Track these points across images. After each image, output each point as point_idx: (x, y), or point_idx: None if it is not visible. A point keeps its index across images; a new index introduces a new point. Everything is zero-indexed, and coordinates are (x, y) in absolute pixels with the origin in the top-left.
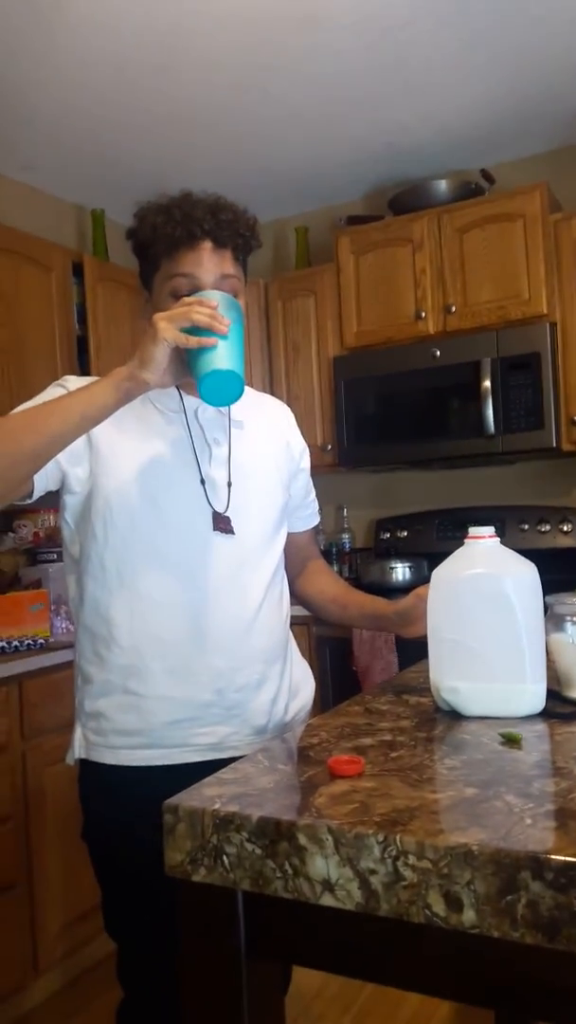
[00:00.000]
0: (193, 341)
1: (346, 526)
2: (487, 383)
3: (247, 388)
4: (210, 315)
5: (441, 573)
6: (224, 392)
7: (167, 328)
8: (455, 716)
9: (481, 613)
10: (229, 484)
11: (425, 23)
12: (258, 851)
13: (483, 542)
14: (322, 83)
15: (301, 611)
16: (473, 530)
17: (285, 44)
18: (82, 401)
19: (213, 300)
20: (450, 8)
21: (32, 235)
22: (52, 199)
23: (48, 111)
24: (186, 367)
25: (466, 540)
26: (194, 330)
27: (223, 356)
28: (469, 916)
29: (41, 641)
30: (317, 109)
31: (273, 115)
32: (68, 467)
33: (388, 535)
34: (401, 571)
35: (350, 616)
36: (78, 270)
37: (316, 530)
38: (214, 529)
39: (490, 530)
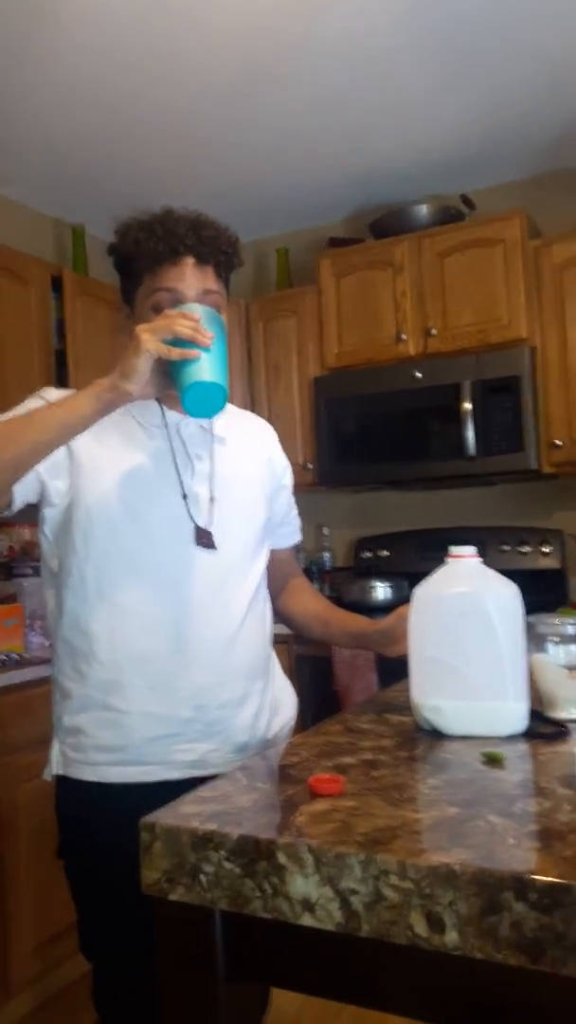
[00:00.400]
0: (175, 352)
1: (326, 545)
2: (467, 405)
3: (230, 405)
4: (193, 327)
5: (423, 591)
6: (207, 404)
7: (149, 339)
8: (437, 735)
9: (463, 632)
10: (212, 500)
11: (409, 51)
12: (237, 870)
13: (465, 561)
14: (306, 107)
15: (281, 629)
16: (455, 549)
17: (271, 68)
18: (63, 411)
19: (196, 313)
20: (433, 37)
21: (11, 248)
22: (32, 213)
23: (29, 125)
24: (168, 379)
25: (447, 559)
26: (177, 342)
27: (206, 368)
28: (452, 937)
29: (15, 656)
30: (301, 131)
31: (257, 136)
32: (48, 479)
33: (369, 554)
34: (382, 590)
35: (332, 634)
36: (57, 284)
37: (296, 548)
38: (196, 544)
39: (472, 549)
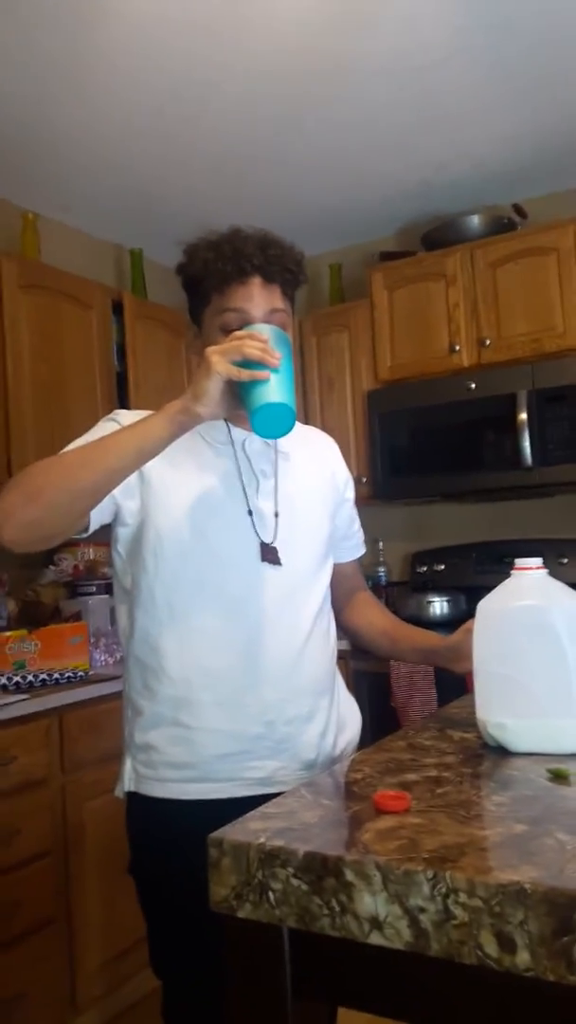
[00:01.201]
0: (246, 374)
1: (382, 559)
2: (523, 415)
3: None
4: (262, 349)
5: (487, 605)
6: (277, 425)
7: (220, 362)
8: (501, 752)
9: (529, 646)
10: (276, 515)
11: (457, 62)
12: (304, 887)
13: (530, 573)
14: (356, 121)
15: (340, 644)
16: (520, 561)
17: (317, 84)
18: (137, 436)
19: (264, 334)
20: (482, 46)
21: (72, 274)
22: (91, 239)
23: (85, 154)
24: (238, 400)
25: (513, 571)
26: (246, 363)
27: (275, 389)
28: (523, 958)
29: (81, 674)
30: (350, 149)
31: (307, 155)
32: (122, 500)
33: (425, 568)
34: (439, 605)
35: (400, 650)
36: (117, 308)
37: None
38: (262, 560)
39: (538, 561)
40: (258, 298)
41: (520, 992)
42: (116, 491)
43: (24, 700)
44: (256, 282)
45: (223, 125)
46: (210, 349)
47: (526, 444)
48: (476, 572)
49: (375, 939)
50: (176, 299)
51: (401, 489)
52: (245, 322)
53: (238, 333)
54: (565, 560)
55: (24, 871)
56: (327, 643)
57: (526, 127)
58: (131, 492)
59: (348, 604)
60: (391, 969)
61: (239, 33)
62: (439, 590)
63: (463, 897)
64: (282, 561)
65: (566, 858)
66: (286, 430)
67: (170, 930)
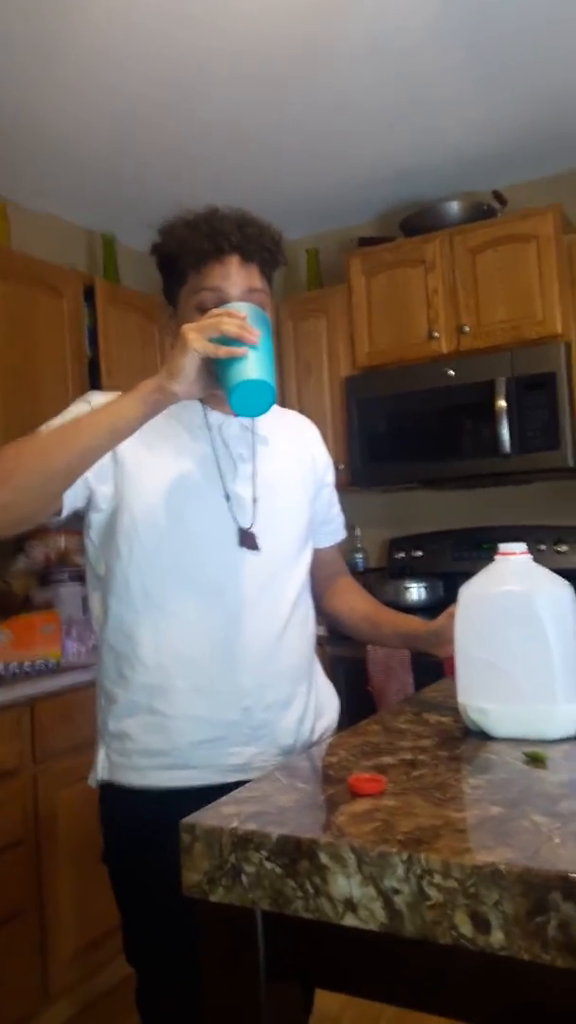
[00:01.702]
0: (223, 351)
1: (359, 546)
2: (502, 402)
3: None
4: (240, 326)
5: (470, 590)
6: (255, 402)
7: (196, 339)
8: (477, 736)
9: (511, 631)
10: (254, 500)
11: (436, 47)
12: (278, 870)
13: (514, 558)
14: (334, 107)
15: (317, 630)
16: (504, 546)
17: (296, 71)
18: (111, 415)
19: (242, 311)
20: (462, 32)
21: (43, 260)
22: (63, 223)
23: (59, 137)
24: (214, 379)
25: (496, 556)
26: (223, 341)
27: (253, 366)
28: (498, 938)
29: (53, 663)
30: (329, 133)
31: (285, 139)
32: (95, 484)
33: (402, 555)
34: (416, 591)
35: (382, 635)
36: (89, 294)
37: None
38: (240, 545)
39: (522, 546)
40: (236, 277)
41: (494, 971)
42: (89, 475)
43: None
44: (234, 260)
45: (200, 109)
46: (186, 326)
47: (504, 431)
48: (454, 559)
49: (349, 920)
50: (149, 284)
51: (379, 476)
52: (222, 301)
53: (215, 311)
54: (543, 547)
55: None
56: (306, 629)
57: (505, 113)
58: (105, 476)
59: (329, 589)
60: (365, 950)
61: (218, 17)
62: (416, 576)
63: (438, 878)
64: (260, 546)
65: (541, 840)
66: (265, 408)
67: (144, 918)
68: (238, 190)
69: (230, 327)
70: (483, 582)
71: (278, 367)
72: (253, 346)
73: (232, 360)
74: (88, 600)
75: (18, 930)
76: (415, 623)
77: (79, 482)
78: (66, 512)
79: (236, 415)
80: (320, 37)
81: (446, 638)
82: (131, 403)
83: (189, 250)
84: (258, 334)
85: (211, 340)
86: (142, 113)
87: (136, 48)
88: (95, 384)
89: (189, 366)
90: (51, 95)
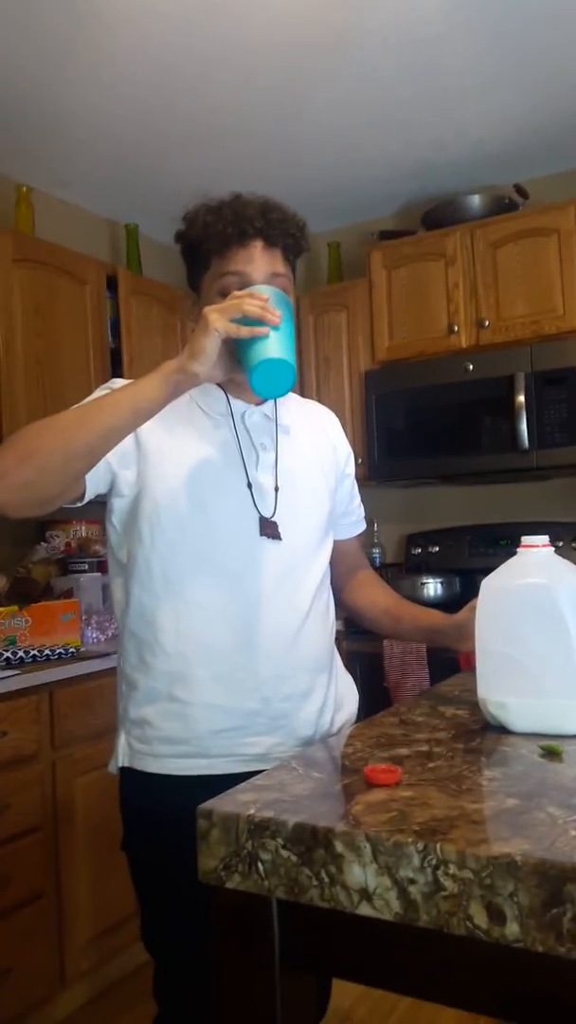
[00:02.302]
0: (245, 331)
1: (376, 541)
2: (521, 397)
3: (293, 395)
4: (262, 306)
5: (491, 583)
6: (277, 382)
7: (218, 319)
8: (492, 729)
9: (532, 625)
10: (276, 489)
11: (458, 39)
12: (293, 858)
13: (536, 551)
14: (355, 100)
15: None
16: (526, 539)
17: (316, 59)
18: (132, 395)
19: (264, 294)
20: (484, 24)
21: (67, 248)
22: (87, 214)
23: (82, 128)
24: (236, 362)
25: (519, 549)
26: (245, 322)
27: (275, 345)
28: (512, 929)
29: (72, 650)
30: (351, 124)
31: (306, 132)
32: (118, 469)
33: (419, 550)
34: (433, 587)
35: (403, 629)
36: (112, 284)
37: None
38: (261, 534)
39: (544, 539)
40: (259, 261)
41: (509, 962)
42: (112, 460)
43: (15, 676)
44: (257, 245)
45: (222, 100)
46: (208, 308)
47: (523, 427)
48: (471, 555)
49: (364, 910)
50: (171, 275)
51: (397, 470)
52: (245, 285)
53: (237, 293)
54: (560, 543)
55: (13, 846)
56: (326, 621)
57: (527, 105)
58: (128, 462)
59: (349, 582)
60: (380, 940)
61: (239, 7)
62: (433, 572)
63: (453, 869)
64: (282, 536)
65: (557, 831)
66: (286, 388)
67: (163, 907)
68: (259, 183)
69: (252, 308)
70: (504, 575)
71: (298, 361)
72: (275, 327)
73: (253, 340)
74: (110, 586)
75: (35, 914)
76: (436, 617)
77: (102, 466)
78: (88, 496)
79: (257, 395)
80: (341, 28)
81: (468, 632)
82: (152, 384)
83: (212, 235)
84: (280, 315)
85: (233, 321)
86: (163, 104)
87: (157, 38)
88: (117, 374)
89: (210, 346)
90: (74, 85)
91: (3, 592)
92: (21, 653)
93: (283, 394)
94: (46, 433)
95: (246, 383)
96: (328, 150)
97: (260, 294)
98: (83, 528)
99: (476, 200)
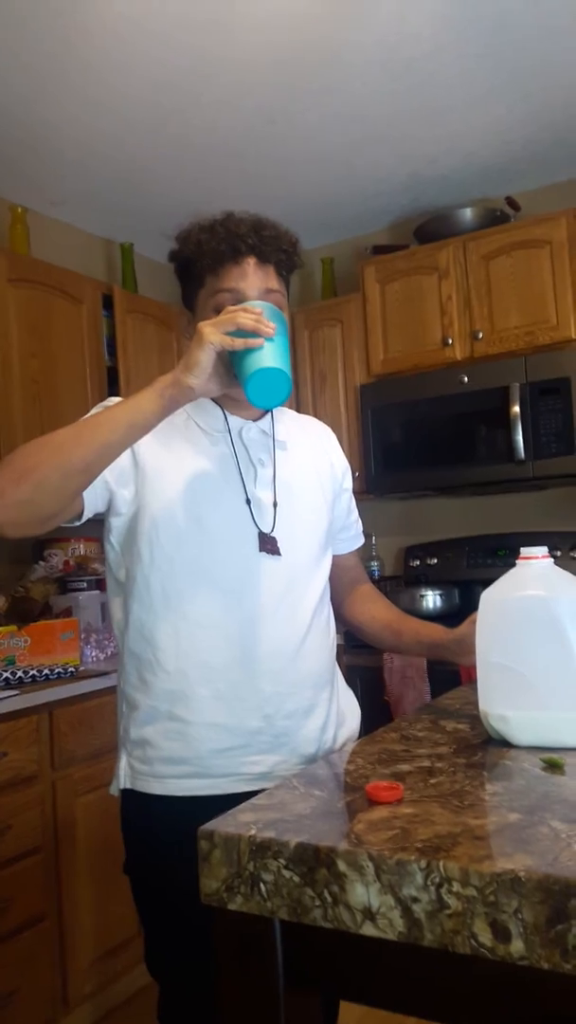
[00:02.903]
0: (239, 342)
1: (374, 554)
2: (516, 408)
3: (289, 410)
4: (255, 319)
5: (490, 595)
6: (272, 392)
7: (212, 332)
8: (494, 743)
9: (532, 638)
10: (275, 504)
11: (449, 54)
12: (296, 878)
13: (535, 563)
14: (346, 115)
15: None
16: (525, 551)
17: (308, 76)
18: (128, 410)
19: (257, 308)
20: (474, 40)
21: (63, 268)
22: (82, 233)
23: (76, 148)
24: (231, 376)
25: (518, 561)
26: (240, 334)
27: (269, 355)
28: (517, 946)
29: (72, 669)
30: (342, 140)
31: (298, 147)
32: (116, 487)
33: (417, 562)
34: (431, 599)
35: (405, 643)
36: (107, 302)
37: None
38: (260, 550)
39: (543, 550)
40: (253, 277)
41: (514, 981)
42: (110, 478)
43: (14, 696)
44: (251, 262)
45: (214, 119)
46: (202, 323)
47: (519, 437)
48: (469, 566)
49: (368, 930)
50: (166, 293)
51: (394, 483)
52: (239, 302)
53: (230, 308)
54: (558, 553)
55: (14, 868)
56: (327, 636)
57: (517, 119)
58: (125, 480)
59: (349, 597)
60: (384, 960)
61: (230, 26)
62: (432, 584)
63: (457, 886)
64: (281, 551)
65: (560, 846)
66: (282, 398)
67: (167, 930)
68: (252, 200)
69: (246, 320)
70: (504, 587)
71: (295, 377)
72: (269, 339)
73: (248, 351)
74: (108, 606)
75: (37, 937)
76: (438, 631)
77: (99, 484)
78: (87, 515)
79: (253, 405)
80: (332, 46)
81: (469, 646)
82: (148, 398)
83: (206, 252)
84: (274, 327)
85: (227, 333)
86: (156, 123)
87: (148, 57)
88: (114, 393)
89: (205, 359)
90: (66, 105)
91: (2, 611)
92: (20, 673)
93: (279, 404)
94: (43, 451)
95: (243, 397)
96: (321, 166)
97: (253, 308)
98: (81, 546)
99: (468, 213)
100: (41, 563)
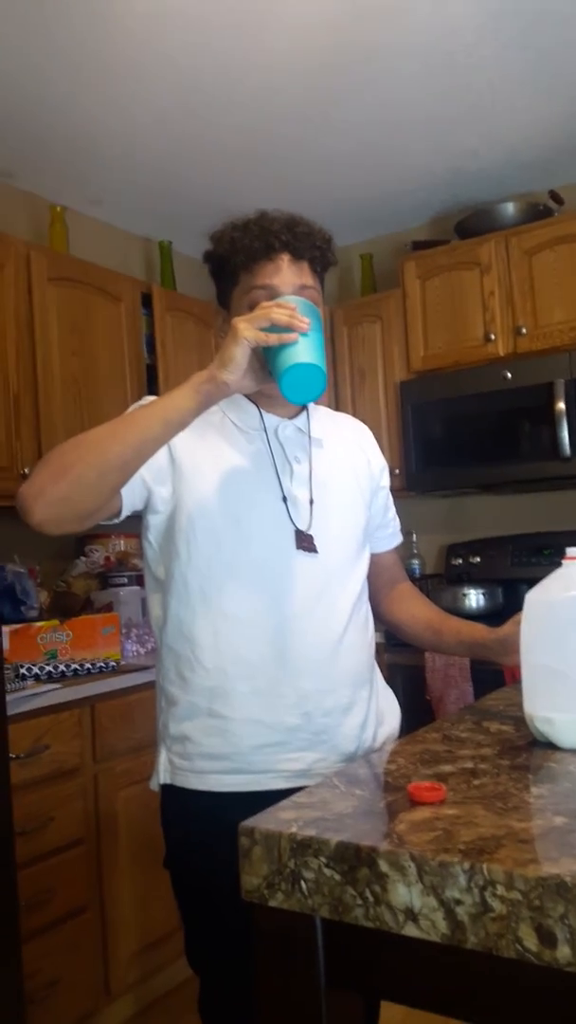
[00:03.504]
0: (273, 338)
1: (416, 551)
2: (561, 404)
3: (325, 408)
4: (290, 314)
5: (535, 596)
6: (307, 387)
7: (247, 328)
8: (539, 745)
9: None
10: (311, 502)
11: (489, 47)
12: (337, 877)
13: None
14: (386, 111)
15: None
16: (571, 550)
17: (348, 74)
18: (163, 407)
19: (292, 303)
20: (514, 31)
21: (102, 267)
22: (120, 232)
23: (115, 146)
24: (266, 372)
25: (564, 561)
26: (274, 330)
27: (304, 350)
28: (564, 952)
29: (113, 664)
30: (381, 136)
31: (337, 144)
32: (153, 486)
33: (460, 561)
34: (474, 598)
35: (446, 643)
36: (146, 301)
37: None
38: (297, 548)
39: None
40: (287, 274)
41: (561, 987)
42: (147, 476)
43: (56, 690)
44: (285, 258)
45: (249, 118)
46: (237, 319)
47: (564, 434)
48: (513, 564)
49: (410, 931)
50: (205, 291)
51: (435, 480)
52: (274, 298)
53: (265, 304)
54: None
55: (57, 859)
56: (365, 634)
57: (559, 112)
58: (163, 478)
59: (389, 596)
60: (427, 961)
61: (264, 27)
62: (475, 583)
63: (501, 890)
64: (318, 549)
65: None
66: (317, 393)
67: (206, 924)
68: (291, 197)
69: (280, 316)
70: (549, 587)
71: (333, 373)
72: (304, 334)
73: (283, 347)
74: (147, 602)
75: (80, 928)
76: (480, 631)
77: (137, 482)
78: (125, 512)
79: (288, 401)
80: (370, 43)
81: (513, 646)
82: (183, 394)
83: (240, 250)
84: (308, 322)
85: (262, 329)
86: (192, 122)
87: (185, 53)
88: (153, 391)
89: (240, 355)
90: (103, 105)
91: (44, 606)
92: (62, 667)
93: (314, 399)
94: (79, 448)
95: (278, 393)
96: (359, 163)
97: (288, 303)
98: (122, 542)
99: (510, 208)
100: (82, 559)
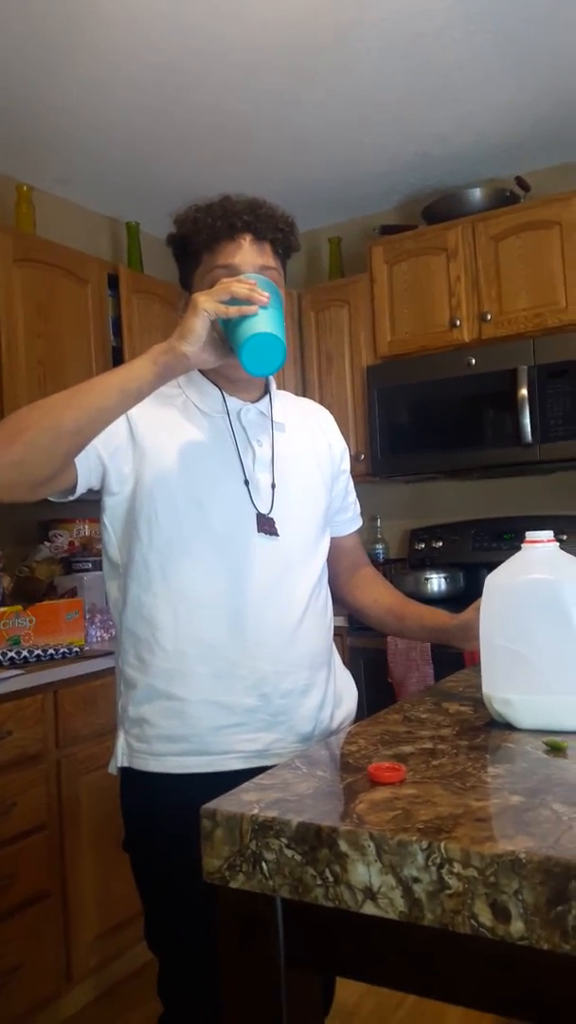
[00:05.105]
0: (233, 310)
1: (379, 536)
2: (524, 391)
3: (287, 392)
4: (250, 287)
5: (495, 579)
6: (266, 358)
7: (207, 300)
8: (496, 725)
9: (536, 621)
10: (273, 485)
11: (458, 30)
12: (298, 857)
13: (541, 547)
14: (354, 93)
15: (336, 620)
16: (531, 534)
17: (316, 55)
18: (121, 376)
19: (251, 279)
20: (484, 14)
21: (68, 247)
22: (87, 212)
23: (82, 127)
24: (227, 347)
25: (523, 545)
26: (234, 302)
27: (263, 321)
28: (517, 927)
29: (76, 649)
30: (350, 121)
31: (305, 126)
32: (110, 462)
33: (423, 545)
34: (436, 582)
35: (408, 628)
36: (113, 282)
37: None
38: (258, 531)
39: (548, 534)
40: (248, 253)
41: (514, 961)
42: (104, 453)
43: (19, 675)
44: (246, 238)
45: (221, 98)
46: (197, 293)
47: (526, 420)
48: (475, 549)
49: (369, 909)
50: (172, 273)
51: (400, 466)
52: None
53: (225, 280)
54: (564, 537)
55: (19, 844)
56: (324, 617)
57: (528, 97)
58: (123, 456)
59: (351, 580)
60: (385, 938)
61: (237, 7)
62: (437, 567)
63: (457, 867)
64: (279, 532)
65: (562, 828)
66: (277, 364)
67: (165, 906)
68: (259, 179)
69: (240, 288)
70: (509, 571)
71: (299, 357)
72: (263, 307)
73: (242, 319)
74: (105, 586)
75: (42, 913)
76: (442, 616)
77: (93, 457)
78: (81, 489)
79: (248, 372)
80: (340, 23)
81: (473, 632)
82: (142, 364)
83: (202, 229)
84: (268, 296)
85: (222, 302)
86: (162, 102)
87: (153, 37)
88: None
89: (200, 326)
90: (73, 83)
91: (7, 591)
92: (25, 653)
93: (274, 371)
94: (34, 413)
95: (240, 376)
96: (328, 146)
97: (247, 279)
98: (86, 527)
99: (477, 193)
100: (46, 544)
